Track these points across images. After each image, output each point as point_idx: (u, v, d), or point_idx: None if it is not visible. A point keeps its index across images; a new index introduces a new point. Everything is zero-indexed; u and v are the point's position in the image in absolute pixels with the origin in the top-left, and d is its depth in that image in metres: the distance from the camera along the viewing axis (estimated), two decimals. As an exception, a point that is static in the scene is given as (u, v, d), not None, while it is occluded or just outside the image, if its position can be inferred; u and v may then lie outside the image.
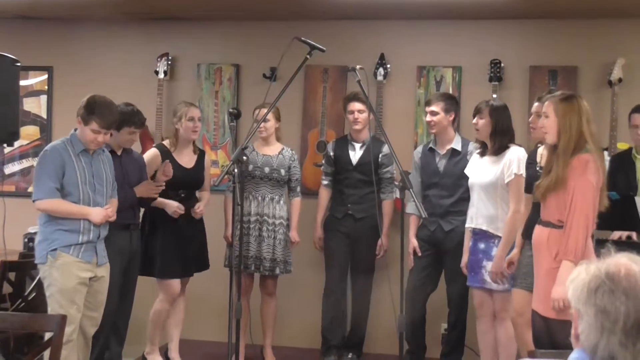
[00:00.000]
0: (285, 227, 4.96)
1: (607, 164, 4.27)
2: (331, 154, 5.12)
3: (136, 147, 4.88)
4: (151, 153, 4.78)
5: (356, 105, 4.94)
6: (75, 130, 3.96)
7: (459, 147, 4.76)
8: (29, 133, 5.96)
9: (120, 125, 4.25)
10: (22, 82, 5.29)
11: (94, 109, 3.85)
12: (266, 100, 4.31)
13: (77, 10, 5.57)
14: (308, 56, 3.95)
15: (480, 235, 4.35)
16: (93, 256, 3.93)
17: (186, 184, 4.75)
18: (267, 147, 4.96)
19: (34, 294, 4.77)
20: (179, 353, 4.92)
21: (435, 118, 4.71)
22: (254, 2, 5.21)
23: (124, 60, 5.85)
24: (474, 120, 4.39)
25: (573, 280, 1.65)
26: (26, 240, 5.23)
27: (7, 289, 4.87)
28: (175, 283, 4.72)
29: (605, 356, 1.56)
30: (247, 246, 4.83)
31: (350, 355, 5.13)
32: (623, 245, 1.81)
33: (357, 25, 5.52)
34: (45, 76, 6.00)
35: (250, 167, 4.84)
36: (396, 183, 4.89)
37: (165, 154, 4.72)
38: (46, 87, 6.00)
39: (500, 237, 4.23)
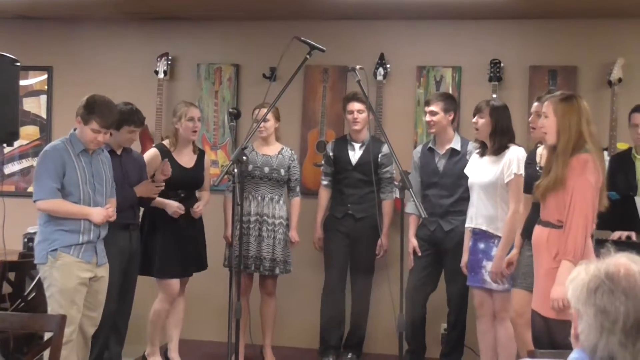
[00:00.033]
0: (285, 227, 4.96)
1: (606, 164, 4.27)
2: (330, 154, 5.12)
3: (136, 146, 4.87)
4: (151, 153, 4.78)
5: (355, 105, 4.94)
6: (75, 130, 3.96)
7: (458, 147, 4.76)
8: (28, 133, 5.96)
9: (120, 125, 4.25)
10: (22, 82, 5.28)
11: (94, 109, 3.85)
12: (266, 100, 4.31)
13: (77, 10, 5.57)
14: (308, 56, 3.95)
15: (480, 235, 4.35)
16: (93, 256, 3.93)
17: (186, 183, 4.75)
18: (266, 147, 4.96)
19: (33, 294, 4.78)
20: (179, 353, 4.92)
21: (434, 118, 4.71)
22: (254, 2, 5.21)
23: (123, 60, 5.85)
24: (474, 120, 4.39)
25: (573, 280, 1.65)
26: (26, 240, 5.23)
27: (6, 289, 4.88)
28: (175, 283, 4.72)
29: (604, 356, 1.56)
30: (247, 246, 4.82)
31: (350, 355, 5.13)
32: (623, 245, 1.80)
33: (357, 25, 5.52)
34: (45, 76, 6.00)
35: (250, 167, 4.84)
36: (396, 183, 4.89)
37: (165, 153, 4.72)
38: (46, 87, 6.00)
39: (500, 237, 4.23)
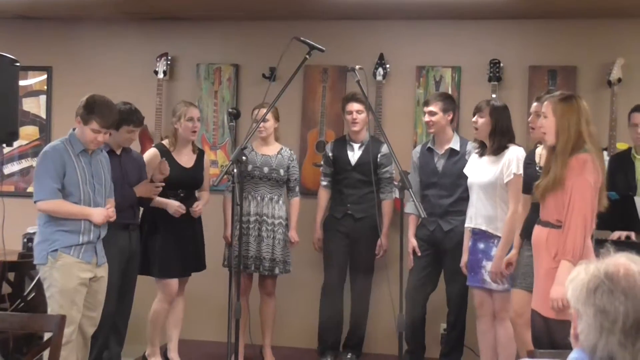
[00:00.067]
0: (285, 227, 4.96)
1: (606, 164, 4.27)
2: (330, 154, 5.12)
3: (135, 147, 4.87)
4: (151, 153, 4.78)
5: (354, 106, 4.94)
6: (74, 130, 3.95)
7: (457, 147, 4.76)
8: (28, 133, 5.96)
9: (119, 124, 4.25)
10: (22, 82, 5.29)
11: (94, 109, 3.85)
12: (265, 100, 4.31)
13: (77, 10, 5.57)
14: (307, 56, 3.95)
15: (479, 235, 4.35)
16: (93, 256, 3.92)
17: (185, 183, 4.75)
18: (266, 147, 4.96)
19: (33, 294, 4.78)
20: (179, 353, 4.92)
21: (433, 118, 4.71)
22: (253, 2, 5.21)
23: (123, 60, 5.85)
24: (474, 119, 4.39)
25: (572, 280, 1.65)
26: (25, 240, 5.23)
27: (6, 289, 4.88)
28: (174, 282, 4.72)
29: (604, 356, 1.56)
30: (247, 246, 4.83)
31: (349, 355, 5.13)
32: (622, 245, 1.81)
33: (357, 25, 5.52)
34: (45, 76, 5.99)
35: (250, 167, 4.84)
36: (395, 183, 4.89)
37: (165, 153, 4.72)
38: (45, 87, 6.00)
39: (499, 237, 4.23)
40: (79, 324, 3.89)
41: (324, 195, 5.17)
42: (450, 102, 4.79)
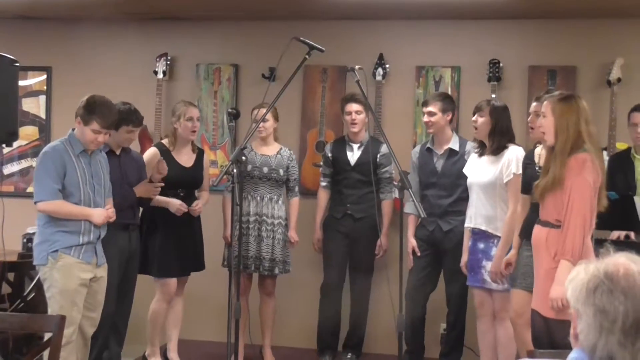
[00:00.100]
0: (284, 227, 4.96)
1: (605, 163, 4.27)
2: (329, 155, 5.12)
3: (135, 147, 4.87)
4: (151, 152, 4.78)
5: (353, 107, 4.94)
6: (73, 130, 3.94)
7: (456, 147, 4.76)
8: (27, 133, 5.96)
9: (119, 125, 4.24)
10: (21, 83, 5.28)
11: (95, 109, 3.84)
12: (265, 100, 4.31)
13: (77, 10, 5.57)
14: (307, 56, 3.95)
15: (479, 235, 4.35)
16: (93, 257, 3.92)
17: (185, 183, 4.75)
18: (265, 147, 4.96)
19: (32, 295, 4.78)
20: (178, 353, 4.91)
21: (432, 118, 4.71)
22: (253, 2, 5.21)
23: (123, 60, 5.85)
24: (474, 118, 4.39)
25: (572, 280, 1.65)
26: (25, 240, 5.23)
27: (6, 289, 4.88)
28: (172, 282, 4.72)
29: (604, 356, 1.56)
30: (247, 246, 4.83)
31: (349, 355, 5.14)
32: (622, 245, 1.81)
33: (356, 25, 5.52)
34: (44, 76, 5.99)
35: (249, 167, 4.84)
36: (395, 183, 4.89)
37: (165, 152, 4.72)
38: (45, 88, 6.00)
39: (499, 237, 4.23)
40: (80, 324, 3.89)
41: (323, 196, 5.17)
42: (449, 103, 4.79)
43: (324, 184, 5.17)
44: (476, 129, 4.39)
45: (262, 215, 4.88)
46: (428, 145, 4.86)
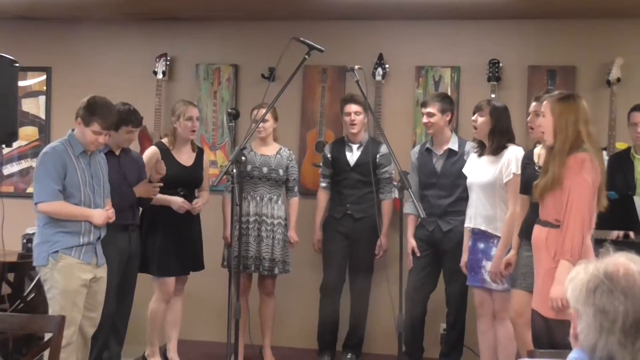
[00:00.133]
0: (284, 227, 4.96)
1: (605, 163, 4.27)
2: (328, 155, 5.12)
3: (134, 147, 4.87)
4: (151, 151, 4.78)
5: (353, 107, 4.94)
6: (73, 130, 3.94)
7: (455, 148, 4.76)
8: (27, 134, 5.96)
9: (118, 125, 4.24)
10: (21, 83, 5.28)
11: (96, 110, 3.83)
12: (265, 101, 4.31)
13: (77, 10, 5.56)
14: (307, 56, 3.95)
15: (479, 235, 4.35)
16: (93, 257, 3.92)
17: (185, 182, 4.75)
18: (265, 147, 4.96)
19: (32, 295, 4.78)
20: (178, 353, 4.91)
21: (432, 119, 4.71)
22: (253, 2, 5.21)
23: (122, 60, 5.84)
24: (474, 118, 4.39)
25: (572, 280, 1.65)
26: (25, 241, 5.23)
27: (5, 289, 4.88)
28: (171, 281, 4.72)
29: (604, 356, 1.56)
30: (247, 246, 4.83)
31: (349, 355, 5.14)
32: (621, 245, 1.81)
33: (356, 25, 5.52)
34: (44, 77, 5.99)
35: (249, 167, 4.84)
36: (395, 183, 4.89)
37: (165, 151, 4.72)
38: (45, 88, 6.00)
39: (499, 237, 4.23)
40: (80, 325, 3.89)
41: (323, 197, 5.17)
42: (448, 103, 4.78)
43: (323, 184, 5.17)
44: (476, 128, 4.39)
45: (261, 216, 4.88)
46: (427, 145, 4.86)
